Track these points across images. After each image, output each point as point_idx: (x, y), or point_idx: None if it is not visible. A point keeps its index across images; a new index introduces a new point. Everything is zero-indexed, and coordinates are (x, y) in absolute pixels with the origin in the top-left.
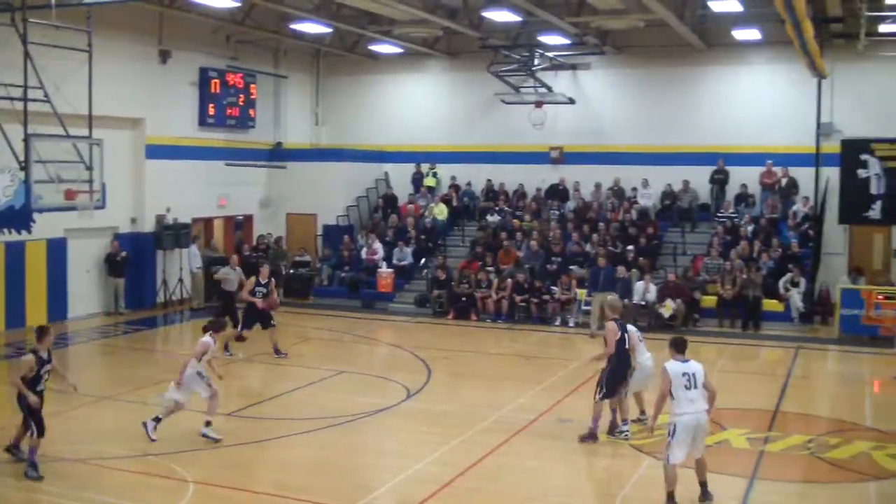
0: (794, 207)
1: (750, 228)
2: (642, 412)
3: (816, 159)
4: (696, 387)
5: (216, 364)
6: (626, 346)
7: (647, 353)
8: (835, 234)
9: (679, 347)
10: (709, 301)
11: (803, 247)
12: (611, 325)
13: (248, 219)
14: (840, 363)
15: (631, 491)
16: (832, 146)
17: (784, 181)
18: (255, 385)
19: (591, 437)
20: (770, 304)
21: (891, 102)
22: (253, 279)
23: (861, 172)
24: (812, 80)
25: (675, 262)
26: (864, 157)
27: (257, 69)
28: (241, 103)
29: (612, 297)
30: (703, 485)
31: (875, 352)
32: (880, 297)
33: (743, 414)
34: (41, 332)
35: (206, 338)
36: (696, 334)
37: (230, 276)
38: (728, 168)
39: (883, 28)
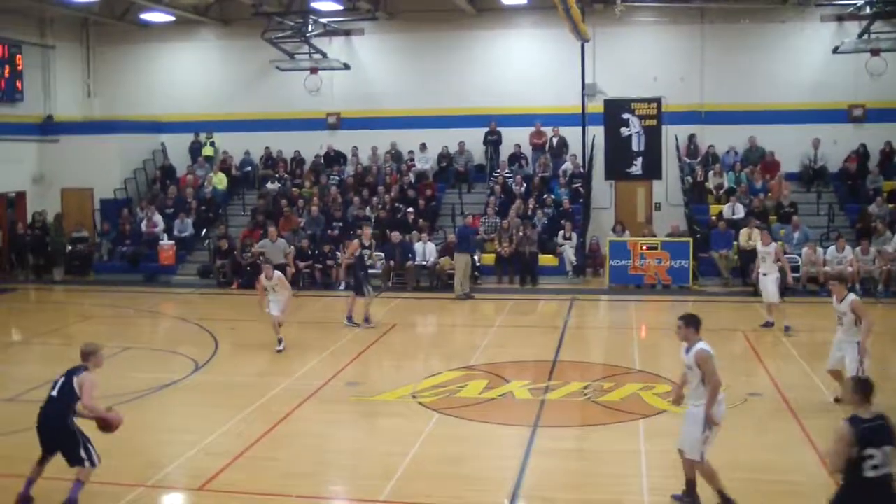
0: (564, 166)
1: (523, 187)
2: None
3: (583, 119)
4: None
5: None
6: None
7: None
8: (602, 190)
9: (698, 326)
10: (488, 259)
11: (574, 203)
12: None
13: (21, 196)
14: (611, 312)
15: (420, 449)
16: (597, 106)
17: (555, 140)
18: (34, 369)
19: None
20: (546, 259)
21: (647, 64)
22: None
23: (623, 131)
24: (576, 44)
25: (454, 222)
26: (625, 116)
27: (23, 39)
28: (6, 75)
29: None
30: (694, 483)
31: (641, 299)
32: (644, 247)
33: (524, 366)
34: None
35: None
36: (477, 291)
37: None
38: (501, 129)
39: None
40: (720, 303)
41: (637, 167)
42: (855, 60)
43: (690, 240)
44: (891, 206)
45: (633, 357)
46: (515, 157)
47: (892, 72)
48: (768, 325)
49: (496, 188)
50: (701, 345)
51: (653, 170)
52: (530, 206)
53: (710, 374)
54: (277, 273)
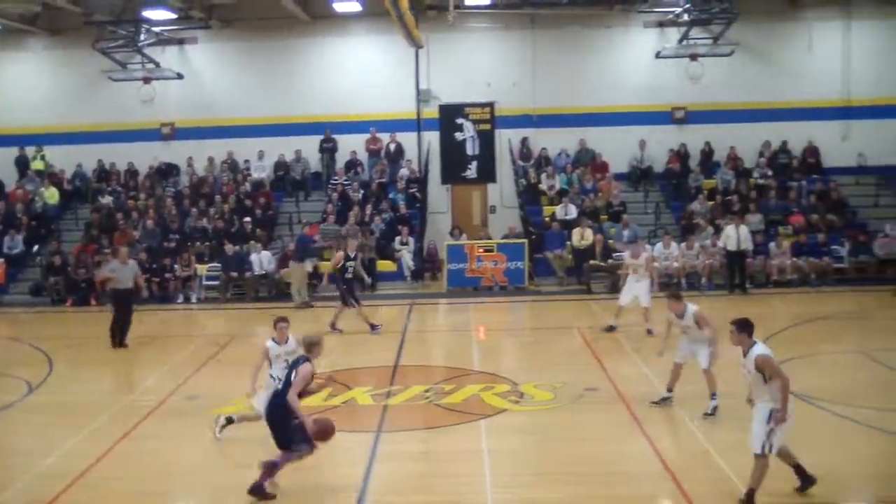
0: (401, 171)
1: (361, 194)
2: None
3: (418, 125)
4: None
5: None
6: None
7: None
8: (438, 195)
9: (751, 330)
10: (327, 267)
11: (411, 208)
12: None
13: None
14: (449, 315)
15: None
16: (432, 112)
17: (391, 146)
18: None
19: None
20: (384, 265)
21: (481, 70)
22: None
23: (458, 135)
24: (410, 50)
25: (292, 231)
26: (459, 121)
27: None
28: None
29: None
30: (804, 471)
31: (479, 301)
32: (480, 250)
33: (366, 372)
34: None
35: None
36: (316, 300)
37: None
38: (336, 137)
39: (469, 1)
40: (556, 302)
41: (472, 171)
42: (676, 65)
43: (526, 241)
44: (711, 203)
45: (472, 358)
46: (352, 164)
47: (710, 75)
48: (611, 328)
49: (333, 195)
50: (757, 348)
51: (487, 173)
52: (368, 212)
53: (778, 373)
54: (294, 339)
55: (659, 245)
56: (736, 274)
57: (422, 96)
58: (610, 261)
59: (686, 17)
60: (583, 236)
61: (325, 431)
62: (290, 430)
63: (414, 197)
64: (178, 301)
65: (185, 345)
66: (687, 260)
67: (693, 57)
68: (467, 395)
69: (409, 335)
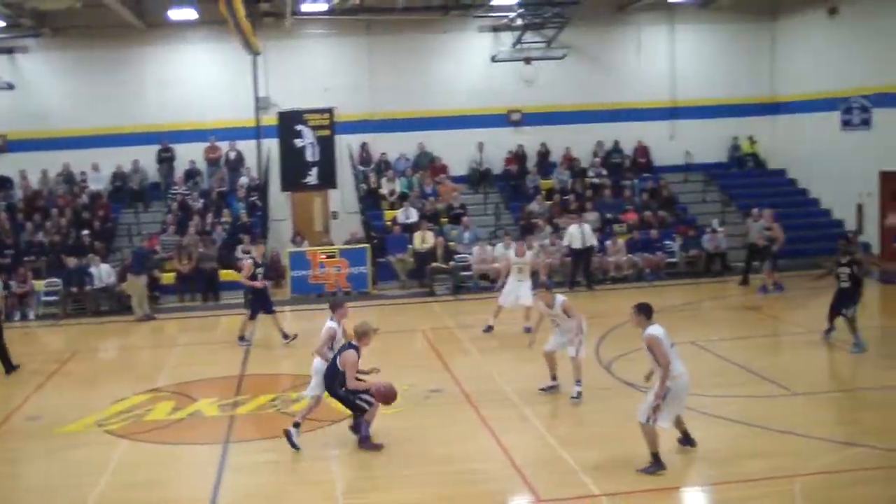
0: (241, 180)
1: (201, 203)
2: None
3: (257, 132)
4: (675, 347)
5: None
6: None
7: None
8: (279, 202)
9: (650, 313)
10: (169, 277)
11: (252, 216)
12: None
13: None
14: (294, 322)
15: (111, 477)
16: (271, 119)
17: (231, 155)
18: None
19: None
20: (227, 274)
21: (319, 76)
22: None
23: (297, 142)
24: (248, 57)
25: (132, 242)
26: (299, 127)
27: None
28: None
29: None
30: (687, 434)
31: (323, 308)
32: (323, 256)
33: (211, 383)
34: None
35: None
36: (159, 311)
37: None
38: (175, 146)
39: (305, 7)
40: (399, 305)
41: (312, 177)
42: (511, 68)
43: (368, 246)
44: (549, 203)
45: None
46: (191, 174)
47: (544, 78)
48: (490, 328)
49: (173, 206)
50: (649, 329)
51: (328, 179)
52: (208, 221)
53: (661, 355)
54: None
55: (499, 245)
56: (580, 271)
57: (260, 103)
58: (452, 263)
59: (520, 21)
60: (424, 239)
61: (387, 396)
62: (345, 397)
63: (255, 205)
64: (16, 319)
65: (25, 363)
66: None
67: (527, 60)
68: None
69: (254, 344)
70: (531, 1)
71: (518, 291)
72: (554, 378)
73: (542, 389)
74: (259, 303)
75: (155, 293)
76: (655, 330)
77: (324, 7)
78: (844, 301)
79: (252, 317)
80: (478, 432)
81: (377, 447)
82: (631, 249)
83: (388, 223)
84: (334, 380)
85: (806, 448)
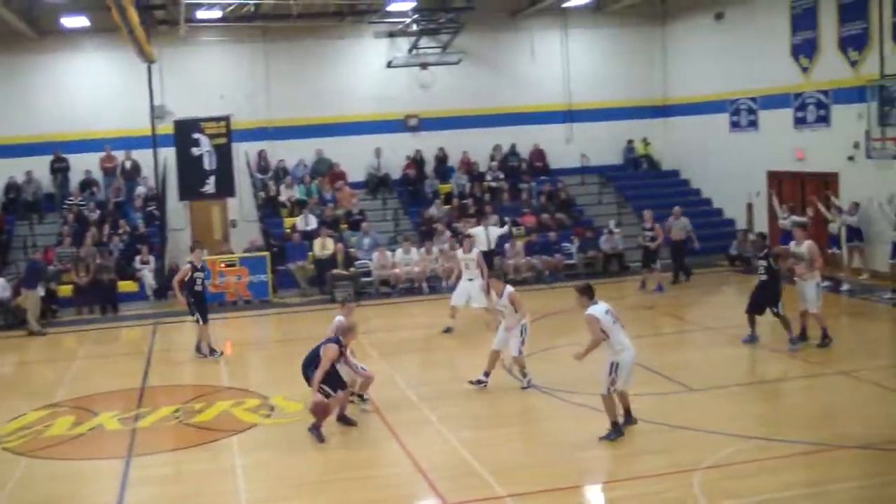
0: (138, 189)
1: (97, 214)
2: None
3: (153, 141)
4: (619, 323)
5: None
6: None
7: None
8: (177, 211)
9: (591, 293)
10: (66, 290)
11: (150, 226)
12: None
13: None
14: (195, 332)
15: (11, 496)
16: (167, 127)
17: (127, 164)
18: None
19: None
20: (125, 286)
21: (215, 83)
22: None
23: (195, 150)
24: (143, 65)
25: (27, 255)
26: (195, 136)
27: None
28: None
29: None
30: (629, 411)
31: (224, 316)
32: (222, 265)
33: (112, 396)
34: None
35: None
36: (57, 325)
37: None
38: (70, 156)
39: (200, 14)
40: (301, 313)
41: (210, 186)
42: (408, 74)
43: (268, 254)
44: (447, 207)
45: (221, 375)
46: (87, 184)
47: (440, 84)
48: (449, 330)
49: (69, 217)
50: (590, 309)
51: (226, 187)
52: (105, 232)
53: (591, 331)
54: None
55: (399, 251)
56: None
57: (156, 112)
58: (352, 269)
59: (415, 27)
60: (324, 246)
61: (318, 412)
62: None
63: (152, 215)
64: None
65: None
66: (427, 264)
67: (423, 66)
68: (218, 412)
69: (154, 355)
70: (426, 7)
71: (470, 292)
72: (487, 375)
73: (472, 382)
74: (203, 306)
75: (52, 306)
76: (594, 310)
77: (218, 14)
78: (766, 295)
79: (205, 321)
80: (383, 437)
81: (321, 438)
82: (529, 252)
83: (288, 230)
84: (311, 364)
85: (702, 442)
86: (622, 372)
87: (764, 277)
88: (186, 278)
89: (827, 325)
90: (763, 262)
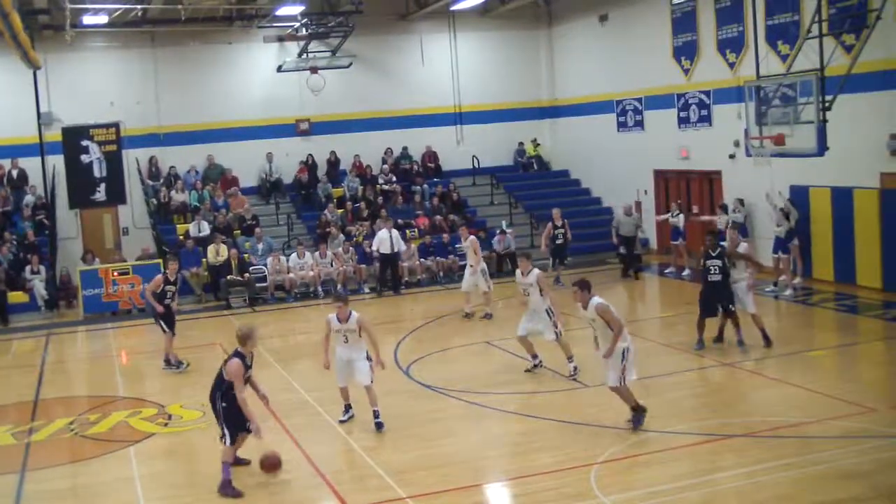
0: (26, 198)
1: None
2: None
3: (41, 149)
4: None
5: None
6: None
7: None
8: (68, 220)
9: (590, 287)
10: None
11: (39, 235)
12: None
13: None
14: (89, 342)
15: None
16: (55, 135)
17: (14, 173)
18: None
19: None
20: (15, 297)
21: (104, 90)
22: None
23: (84, 158)
24: (28, 72)
25: None
26: (85, 143)
27: None
28: None
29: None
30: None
31: (118, 325)
32: (116, 273)
33: (4, 410)
34: None
35: None
36: None
37: None
38: None
39: (87, 20)
40: (196, 319)
41: (101, 193)
42: (298, 78)
43: (161, 261)
44: (341, 211)
45: (117, 385)
46: None
47: (331, 87)
48: (468, 315)
49: None
50: (595, 300)
51: (117, 195)
52: None
53: (613, 320)
54: (355, 316)
55: (293, 255)
56: (388, 276)
57: (43, 119)
58: (247, 275)
59: (304, 31)
60: (218, 252)
61: (272, 466)
62: (224, 414)
63: (42, 224)
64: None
65: None
66: (322, 267)
67: (313, 70)
68: (114, 423)
69: (48, 367)
70: (314, 11)
71: (475, 278)
72: (534, 357)
73: (528, 370)
74: (170, 317)
75: None
76: (601, 300)
77: (105, 19)
78: (720, 295)
79: (173, 332)
80: (282, 442)
81: (237, 494)
82: (423, 254)
83: (181, 237)
84: (217, 391)
85: (596, 437)
86: (633, 357)
87: (718, 277)
88: (158, 290)
89: (765, 326)
90: (717, 262)
